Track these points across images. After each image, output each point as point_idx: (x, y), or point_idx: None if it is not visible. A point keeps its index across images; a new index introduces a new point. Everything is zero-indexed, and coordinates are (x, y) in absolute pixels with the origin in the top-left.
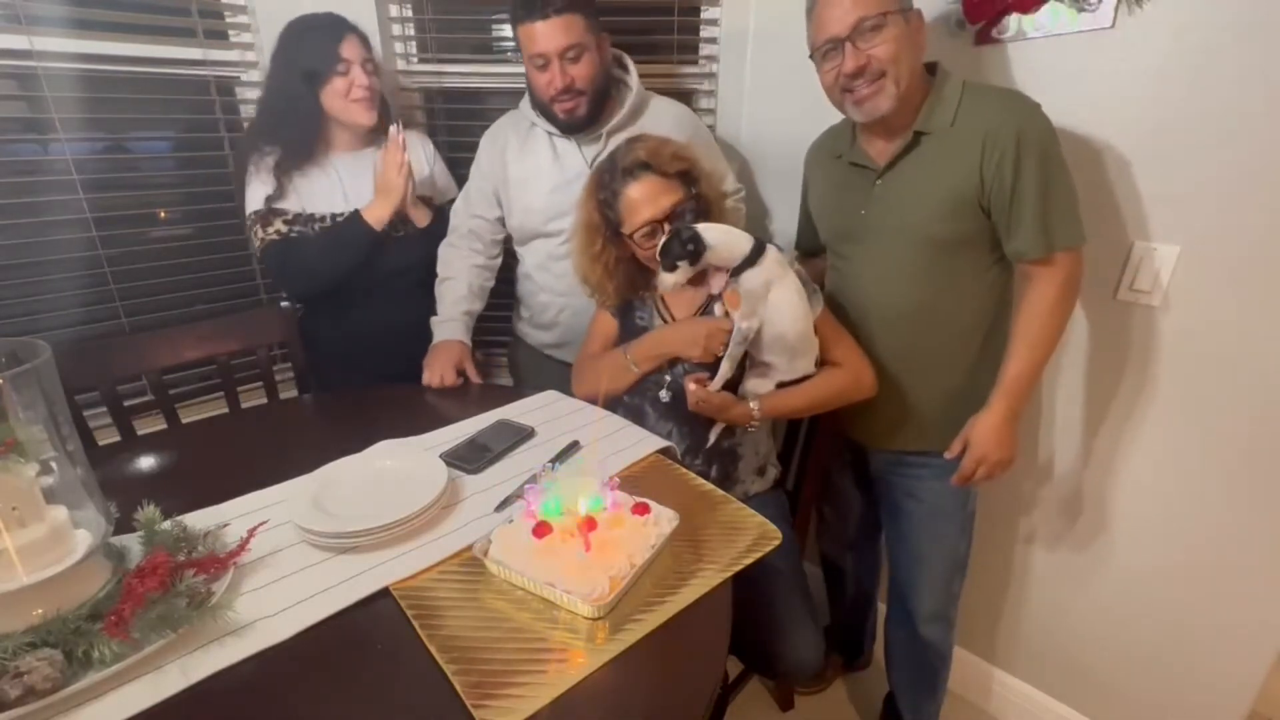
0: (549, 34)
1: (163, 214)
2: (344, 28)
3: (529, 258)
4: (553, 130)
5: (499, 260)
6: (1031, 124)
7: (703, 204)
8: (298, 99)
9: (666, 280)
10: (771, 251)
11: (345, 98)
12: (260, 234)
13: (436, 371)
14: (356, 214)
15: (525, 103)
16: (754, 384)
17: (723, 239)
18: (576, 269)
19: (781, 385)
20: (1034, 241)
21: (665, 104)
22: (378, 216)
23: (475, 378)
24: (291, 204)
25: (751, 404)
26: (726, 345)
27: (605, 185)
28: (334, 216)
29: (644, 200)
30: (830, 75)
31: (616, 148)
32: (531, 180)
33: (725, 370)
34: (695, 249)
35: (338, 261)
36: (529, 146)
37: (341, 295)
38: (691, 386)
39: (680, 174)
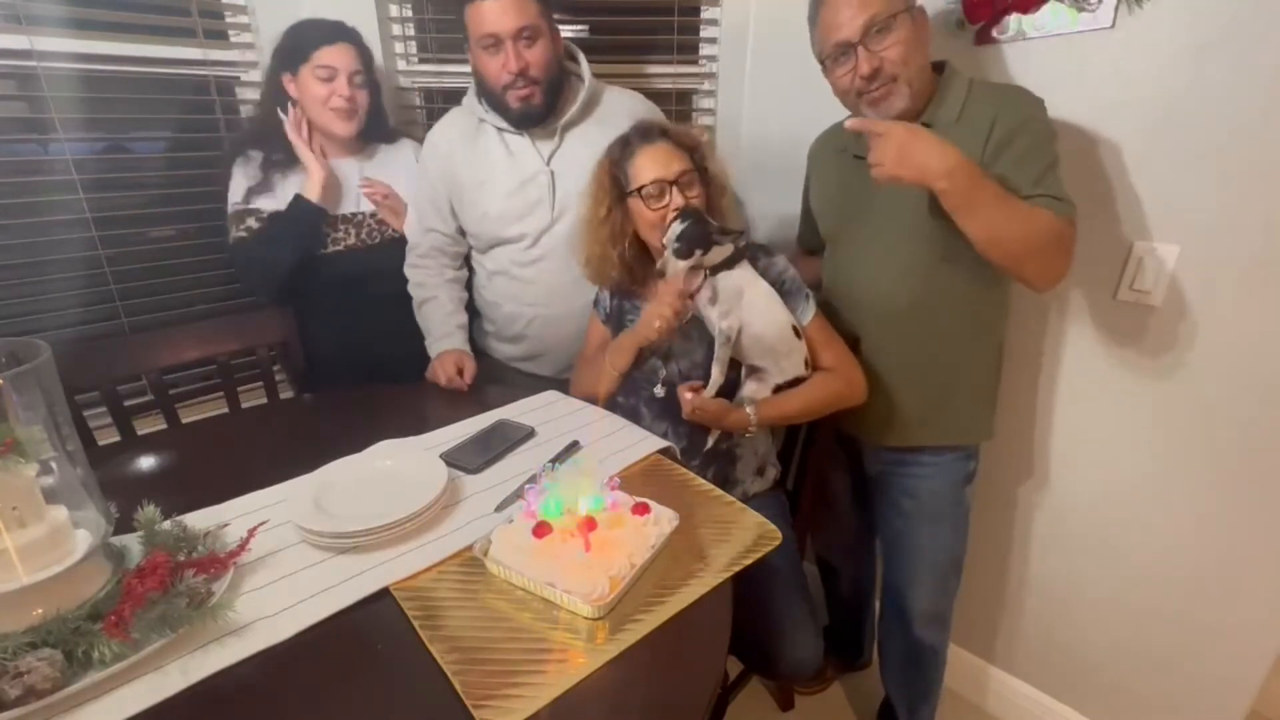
0: (499, 12)
1: (162, 230)
2: (335, 34)
3: (489, 264)
4: (504, 126)
5: (466, 272)
6: (1034, 117)
7: (710, 181)
8: (279, 98)
9: (677, 265)
10: (745, 265)
11: (324, 104)
12: (233, 232)
13: (442, 374)
14: (300, 201)
15: (470, 99)
16: (751, 389)
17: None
18: (578, 241)
19: (778, 389)
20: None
21: (620, 95)
22: (315, 190)
23: (469, 379)
24: (266, 203)
25: (748, 410)
26: (671, 317)
27: (621, 148)
28: None
29: (656, 161)
30: (844, 80)
31: (637, 122)
32: (486, 183)
33: (716, 376)
34: (712, 240)
35: (293, 242)
36: (479, 146)
37: (330, 304)
38: (687, 395)
39: (690, 149)
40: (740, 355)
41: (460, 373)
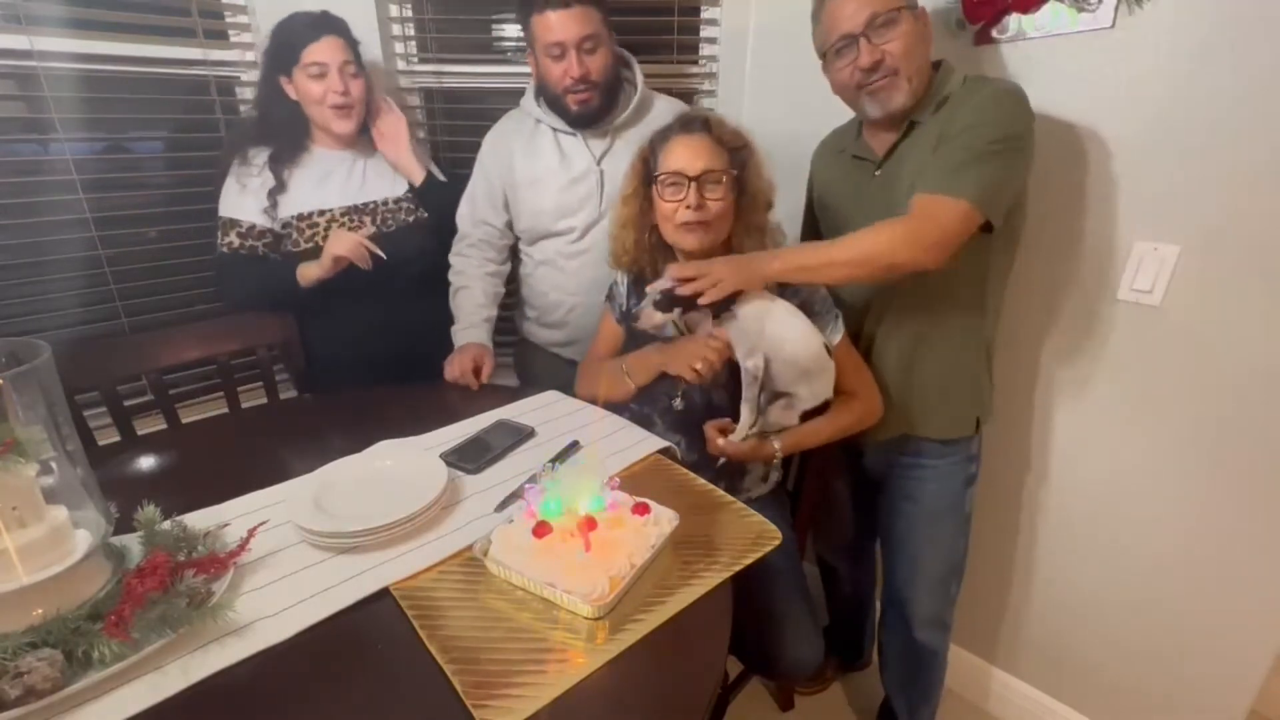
0: (567, 23)
1: (158, 229)
2: (324, 28)
3: (537, 255)
4: (559, 127)
5: (509, 266)
6: (990, 101)
7: (745, 190)
8: (277, 99)
9: (654, 317)
10: (758, 293)
11: (321, 103)
12: (220, 239)
13: (456, 366)
14: (293, 269)
15: (528, 101)
16: (778, 416)
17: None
18: (610, 221)
19: (805, 415)
20: (927, 176)
21: (669, 103)
22: (309, 278)
23: (485, 377)
24: (285, 206)
25: (775, 443)
26: (715, 365)
27: (660, 132)
28: (297, 218)
29: (686, 151)
30: (845, 72)
31: (684, 110)
32: (540, 181)
33: (746, 417)
34: (685, 306)
35: (267, 301)
36: (534, 146)
37: (335, 295)
38: (720, 442)
39: (732, 150)
40: (771, 383)
41: (477, 371)
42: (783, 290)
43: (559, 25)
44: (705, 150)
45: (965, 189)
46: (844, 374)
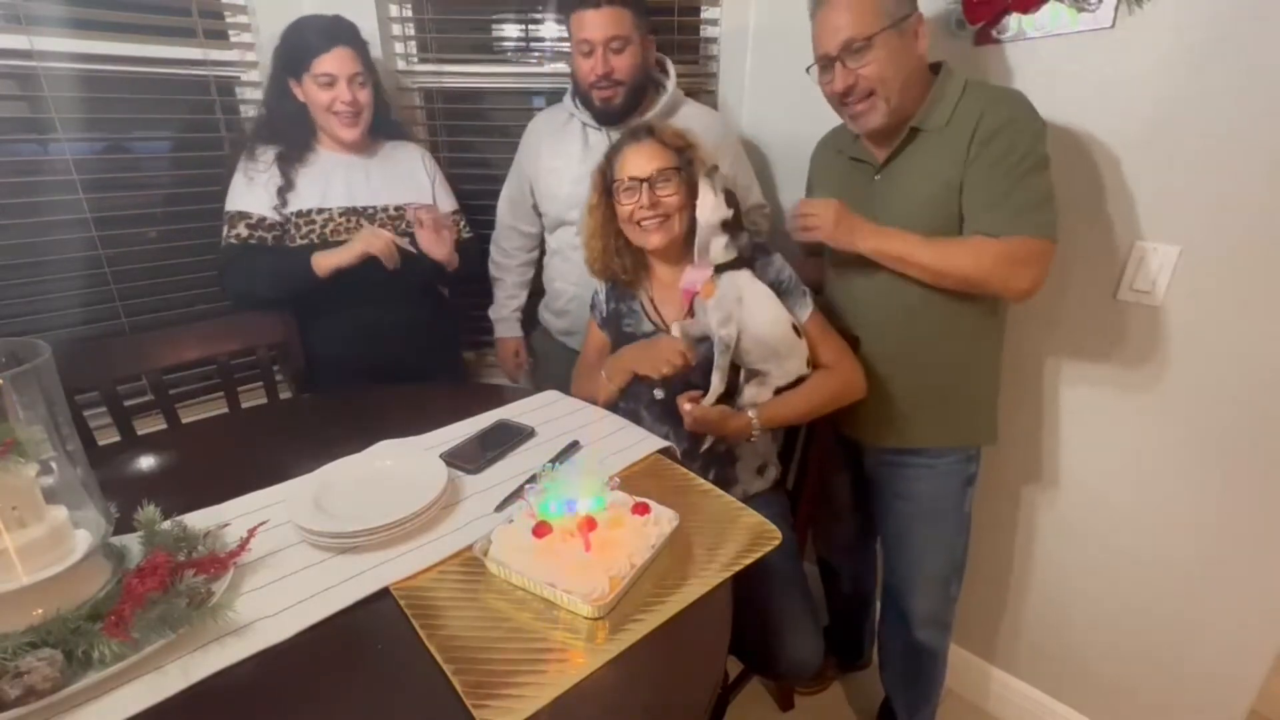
0: (598, 22)
1: (158, 229)
2: (335, 38)
3: (552, 244)
4: (588, 121)
5: (538, 253)
6: (1016, 119)
7: (691, 182)
8: (285, 99)
9: (717, 210)
10: (745, 270)
11: (327, 110)
12: (224, 234)
13: (503, 366)
14: (306, 256)
15: (568, 95)
16: (751, 393)
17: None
18: (581, 231)
19: (779, 391)
20: (992, 219)
21: (699, 109)
22: (328, 265)
23: (523, 360)
24: (294, 200)
25: (750, 414)
26: (679, 368)
27: (614, 146)
28: (297, 214)
29: (636, 157)
30: (826, 89)
31: (632, 125)
32: (560, 170)
33: (716, 384)
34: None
35: (274, 290)
36: (562, 138)
37: (335, 295)
38: (686, 407)
39: (678, 150)
40: (741, 359)
41: (517, 354)
42: (753, 267)
43: (590, 23)
44: (655, 153)
45: (1049, 229)
46: (819, 349)
